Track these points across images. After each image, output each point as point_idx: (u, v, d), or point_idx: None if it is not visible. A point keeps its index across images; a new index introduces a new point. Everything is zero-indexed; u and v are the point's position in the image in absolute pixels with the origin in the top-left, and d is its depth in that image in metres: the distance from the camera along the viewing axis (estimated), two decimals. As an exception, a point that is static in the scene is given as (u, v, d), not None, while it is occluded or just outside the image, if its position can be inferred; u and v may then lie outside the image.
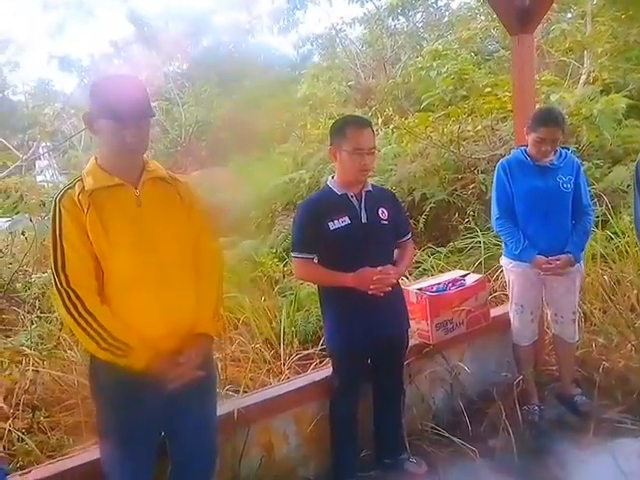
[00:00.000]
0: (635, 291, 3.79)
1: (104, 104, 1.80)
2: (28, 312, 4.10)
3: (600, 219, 4.36)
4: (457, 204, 6.06)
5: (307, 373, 3.00)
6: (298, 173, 7.19)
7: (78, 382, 2.92)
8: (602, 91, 6.39)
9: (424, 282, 3.23)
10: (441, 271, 4.41)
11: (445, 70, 6.33)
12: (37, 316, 3.96)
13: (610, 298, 3.73)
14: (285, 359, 3.44)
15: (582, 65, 6.94)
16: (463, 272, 3.35)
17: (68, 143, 9.40)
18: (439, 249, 5.18)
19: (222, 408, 2.30)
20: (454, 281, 3.14)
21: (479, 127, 6.43)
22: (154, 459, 1.99)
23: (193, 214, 2.03)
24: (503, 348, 3.29)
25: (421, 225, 5.84)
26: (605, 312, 3.75)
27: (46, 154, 8.52)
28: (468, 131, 6.53)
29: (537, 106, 3.57)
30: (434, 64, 6.53)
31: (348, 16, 12.55)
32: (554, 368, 3.45)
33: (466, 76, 6.27)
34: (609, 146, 5.94)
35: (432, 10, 12.58)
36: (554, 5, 5.55)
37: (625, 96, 5.91)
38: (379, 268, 2.45)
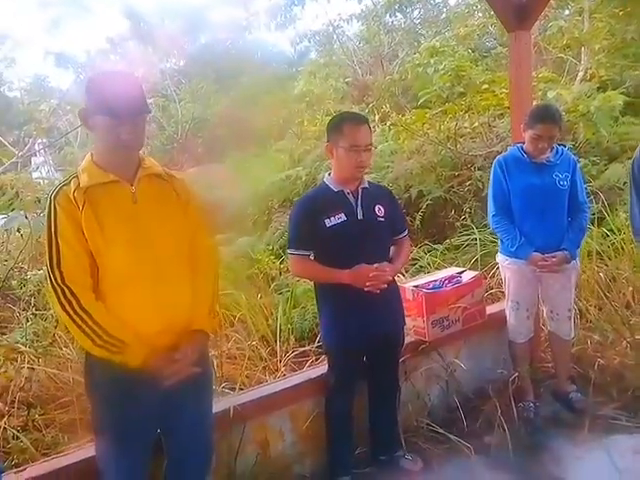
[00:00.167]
0: (630, 288, 3.80)
1: (100, 100, 1.79)
2: (23, 309, 4.09)
3: (596, 216, 4.37)
4: (454, 201, 6.07)
5: (303, 370, 3.00)
6: (295, 170, 7.19)
7: (73, 379, 2.91)
8: (599, 88, 6.39)
9: (420, 279, 3.23)
10: (437, 268, 4.42)
11: (442, 67, 6.33)
12: (32, 313, 3.95)
13: (606, 295, 3.74)
14: (281, 356, 3.44)
15: (579, 62, 6.94)
16: (459, 269, 3.35)
17: (64, 140, 9.37)
18: (435, 246, 5.18)
19: (218, 405, 2.30)
20: (450, 278, 3.14)
21: (476, 124, 6.43)
22: (150, 456, 1.99)
23: (189, 211, 2.02)
24: (499, 345, 3.29)
25: (417, 222, 5.85)
26: (600, 309, 3.76)
27: (42, 151, 8.48)
28: (465, 128, 6.53)
29: (534, 103, 3.57)
30: (431, 61, 6.53)
31: (345, 12, 12.56)
32: (549, 365, 3.46)
33: (463, 73, 6.27)
34: (606, 143, 5.94)
35: (430, 7, 12.57)
36: (552, 2, 5.56)
37: (622, 93, 5.91)
38: (375, 265, 2.45)
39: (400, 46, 11.68)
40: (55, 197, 1.82)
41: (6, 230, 5.41)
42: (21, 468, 2.20)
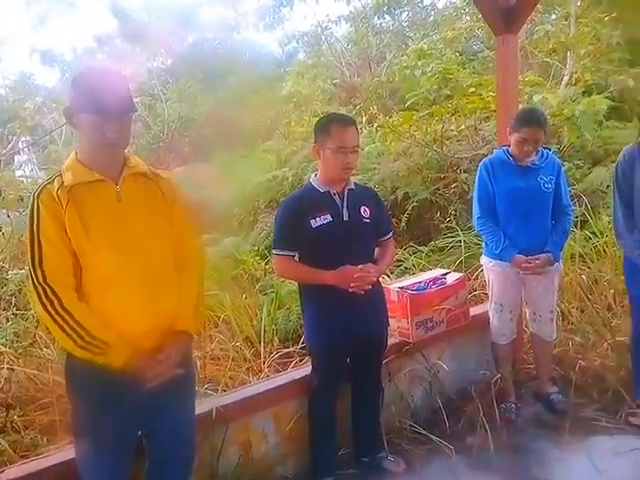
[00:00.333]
0: (612, 290, 3.84)
1: (86, 98, 1.77)
2: (4, 309, 4.04)
3: (579, 219, 4.42)
4: (439, 203, 6.10)
5: (287, 371, 3.00)
6: (281, 171, 7.18)
7: (53, 381, 2.88)
8: (584, 92, 6.45)
9: (405, 281, 3.24)
10: (422, 270, 4.44)
11: (430, 69, 6.35)
12: (13, 313, 3.90)
13: (587, 297, 3.78)
14: (265, 357, 3.43)
15: (565, 66, 7.00)
16: (444, 271, 3.36)
17: (48, 138, 9.27)
18: (420, 248, 5.21)
19: (201, 406, 2.29)
20: (435, 280, 3.15)
21: (462, 127, 6.46)
22: (131, 458, 1.97)
23: (175, 210, 2.01)
24: (482, 347, 3.31)
25: (403, 224, 5.87)
26: (582, 311, 3.80)
27: (25, 149, 8.39)
28: (451, 130, 6.56)
29: (520, 107, 3.59)
30: (419, 63, 6.55)
31: (334, 14, 12.56)
32: (531, 366, 3.49)
33: (450, 76, 6.30)
34: (590, 147, 6.00)
35: (418, 9, 12.60)
36: (538, 6, 5.58)
37: (607, 97, 5.97)
38: (360, 266, 2.45)
39: (388, 48, 11.71)
40: (38, 195, 1.80)
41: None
42: (-1, 470, 2.17)
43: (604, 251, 4.27)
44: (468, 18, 10.49)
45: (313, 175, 2.65)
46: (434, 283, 3.12)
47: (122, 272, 1.83)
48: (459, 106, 6.31)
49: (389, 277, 4.10)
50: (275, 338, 3.74)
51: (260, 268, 4.94)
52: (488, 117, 6.50)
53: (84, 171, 1.84)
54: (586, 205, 4.58)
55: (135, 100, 1.97)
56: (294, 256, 2.54)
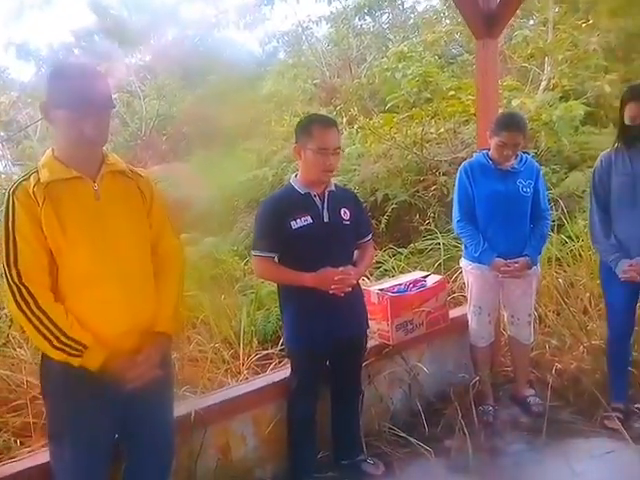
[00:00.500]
0: (588, 294, 3.89)
1: (63, 93, 1.74)
2: (-24, 309, 3.94)
3: (556, 223, 4.46)
4: (418, 205, 6.14)
5: (266, 374, 2.97)
6: (261, 170, 7.14)
7: (27, 382, 2.81)
8: (561, 97, 6.55)
9: (385, 283, 3.24)
10: (402, 272, 4.45)
11: (410, 72, 6.38)
12: (-16, 313, 3.80)
13: (564, 301, 3.82)
14: (244, 359, 3.40)
15: (543, 71, 7.09)
16: (424, 273, 3.38)
17: (23, 133, 9.08)
18: (400, 250, 5.23)
19: (179, 409, 2.26)
20: (415, 282, 3.16)
21: (442, 130, 6.50)
22: (108, 461, 1.93)
23: (154, 209, 1.98)
24: (461, 349, 3.33)
25: (383, 225, 5.89)
26: (559, 314, 3.84)
27: (-1, 144, 8.22)
28: (431, 133, 6.60)
29: (500, 111, 3.63)
30: (399, 66, 6.57)
31: (315, 14, 12.55)
32: (509, 369, 3.52)
33: (430, 79, 6.33)
34: (566, 152, 6.09)
35: (398, 11, 12.66)
36: (517, 11, 5.65)
37: (583, 103, 6.07)
38: (340, 268, 2.45)
39: (368, 50, 11.73)
40: (14, 192, 1.76)
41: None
42: (-30, 474, 2.11)
43: (580, 255, 4.33)
44: (448, 21, 10.57)
45: (293, 176, 2.63)
46: (414, 285, 3.13)
47: (99, 271, 1.80)
48: (439, 109, 6.34)
49: (368, 279, 4.10)
50: (254, 339, 3.71)
51: (239, 268, 4.90)
52: (467, 120, 6.55)
53: (61, 168, 1.80)
54: (562, 209, 4.64)
55: (113, 96, 1.94)
56: (274, 257, 2.52)
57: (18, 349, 3.19)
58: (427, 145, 6.62)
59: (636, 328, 3.03)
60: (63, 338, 1.72)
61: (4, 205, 1.76)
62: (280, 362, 3.28)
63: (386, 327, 2.98)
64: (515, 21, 7.58)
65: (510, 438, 2.96)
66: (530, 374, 3.39)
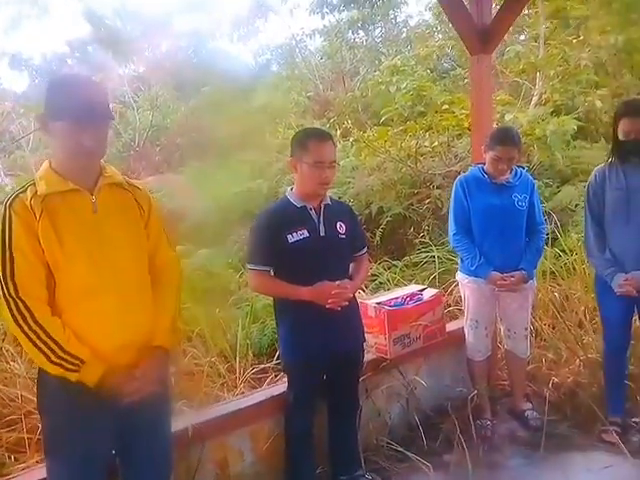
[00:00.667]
0: (583, 307, 3.90)
1: (61, 105, 1.72)
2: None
3: (549, 237, 4.49)
4: (413, 218, 6.16)
5: (263, 388, 2.95)
6: (256, 183, 7.14)
7: (21, 396, 2.77)
8: (553, 112, 6.62)
9: (382, 296, 3.24)
10: (397, 284, 4.46)
11: (405, 86, 6.43)
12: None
13: (559, 314, 3.83)
14: (240, 373, 3.37)
15: (534, 86, 7.17)
16: (420, 286, 3.37)
17: (15, 144, 9.03)
18: (395, 262, 5.23)
19: (177, 423, 2.23)
20: (412, 296, 3.15)
21: (436, 143, 6.54)
22: (104, 477, 1.90)
23: (151, 221, 1.97)
24: (458, 363, 3.33)
25: (377, 238, 5.90)
26: (554, 328, 3.85)
27: (-9, 155, 8.16)
28: (425, 147, 6.64)
29: (494, 125, 3.66)
30: (393, 79, 6.63)
31: (308, 27, 12.64)
32: (506, 383, 3.52)
33: (424, 93, 6.39)
34: (558, 166, 6.15)
35: (391, 26, 12.79)
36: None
37: (575, 118, 6.14)
38: (337, 282, 2.44)
39: (361, 63, 11.83)
40: (11, 204, 1.73)
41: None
42: (-38, 492, 2.08)
43: (574, 268, 4.35)
44: (440, 36, 10.68)
45: (289, 189, 2.63)
46: (411, 299, 3.13)
47: (97, 284, 1.78)
48: (433, 123, 6.39)
49: (364, 292, 4.09)
50: (249, 353, 3.68)
51: (234, 281, 4.88)
52: (460, 134, 6.60)
53: (58, 180, 1.78)
54: (555, 223, 4.67)
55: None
56: (269, 271, 2.51)
57: (11, 362, 3.14)
58: (421, 158, 6.66)
59: (632, 342, 3.04)
60: (60, 352, 1.70)
61: (0, 218, 1.73)
62: (276, 376, 3.26)
63: (383, 341, 2.97)
64: (507, 36, 7.66)
65: (508, 452, 2.96)
66: (527, 388, 3.39)
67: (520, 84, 7.38)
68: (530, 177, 3.23)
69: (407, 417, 3.12)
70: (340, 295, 2.43)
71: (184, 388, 2.91)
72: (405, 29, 12.74)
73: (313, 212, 2.52)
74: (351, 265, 2.67)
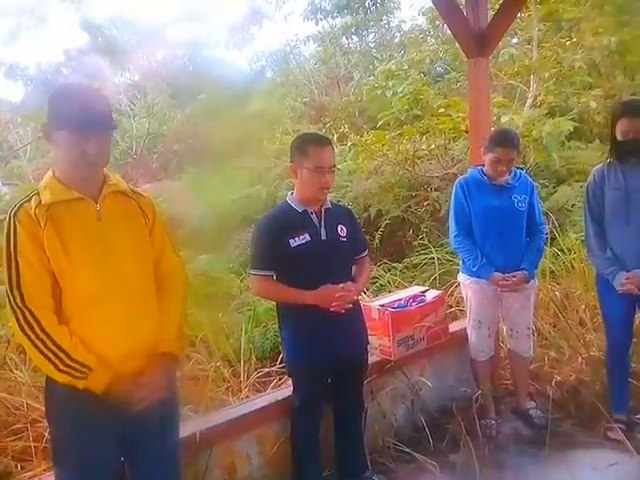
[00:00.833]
0: (583, 306, 3.92)
1: (64, 114, 1.73)
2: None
3: (548, 237, 4.51)
4: (411, 221, 6.19)
5: (269, 392, 2.95)
6: (255, 188, 7.16)
7: (27, 404, 2.76)
8: (547, 114, 6.67)
9: (385, 298, 3.24)
10: (397, 287, 4.46)
11: (401, 90, 6.47)
12: (-20, 334, 3.74)
13: (561, 313, 3.85)
14: (244, 377, 3.37)
15: (528, 89, 7.21)
16: (423, 288, 3.38)
17: (12, 153, 9.02)
18: (395, 265, 5.25)
19: (184, 429, 2.23)
20: (415, 297, 3.16)
21: (433, 146, 6.58)
22: None
23: (155, 229, 1.97)
24: (461, 363, 3.34)
25: (377, 241, 5.92)
26: (556, 326, 3.86)
27: (-12, 164, 8.15)
28: (422, 150, 6.67)
29: (492, 127, 3.68)
30: (389, 84, 6.66)
31: (303, 33, 12.71)
32: (509, 382, 3.53)
33: (421, 96, 6.43)
34: (554, 167, 6.18)
35: (384, 31, 12.87)
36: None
37: (569, 119, 6.18)
38: (341, 285, 2.45)
39: (356, 68, 11.90)
40: (15, 214, 1.74)
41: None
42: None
43: (573, 267, 4.37)
44: (433, 40, 10.74)
45: (289, 194, 2.64)
46: (414, 300, 3.14)
47: (103, 292, 1.78)
48: (429, 126, 6.42)
49: (365, 294, 4.10)
50: (252, 357, 3.68)
51: (235, 286, 4.89)
52: (457, 137, 6.64)
53: (62, 189, 1.79)
54: (553, 223, 4.69)
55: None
56: (272, 275, 2.52)
57: (16, 371, 3.14)
58: (418, 161, 6.70)
59: (634, 339, 3.05)
60: (67, 360, 1.70)
61: (5, 228, 1.73)
62: (280, 379, 3.26)
63: (387, 343, 2.98)
64: (502, 40, 7.71)
65: (514, 451, 2.96)
66: (530, 387, 3.40)
67: (515, 86, 7.43)
68: (529, 178, 3.25)
69: (412, 418, 3.13)
70: (344, 298, 2.44)
71: (189, 393, 2.91)
72: (398, 34, 12.82)
73: (314, 216, 2.53)
74: (353, 268, 2.68)
